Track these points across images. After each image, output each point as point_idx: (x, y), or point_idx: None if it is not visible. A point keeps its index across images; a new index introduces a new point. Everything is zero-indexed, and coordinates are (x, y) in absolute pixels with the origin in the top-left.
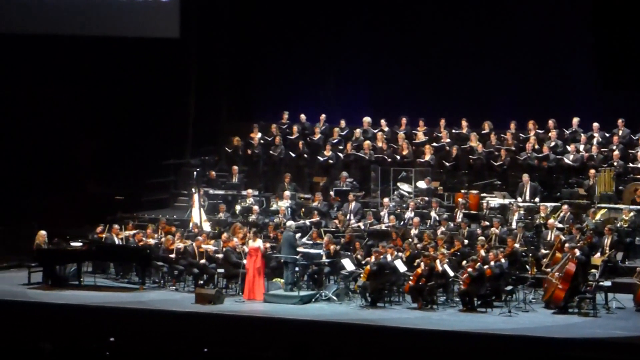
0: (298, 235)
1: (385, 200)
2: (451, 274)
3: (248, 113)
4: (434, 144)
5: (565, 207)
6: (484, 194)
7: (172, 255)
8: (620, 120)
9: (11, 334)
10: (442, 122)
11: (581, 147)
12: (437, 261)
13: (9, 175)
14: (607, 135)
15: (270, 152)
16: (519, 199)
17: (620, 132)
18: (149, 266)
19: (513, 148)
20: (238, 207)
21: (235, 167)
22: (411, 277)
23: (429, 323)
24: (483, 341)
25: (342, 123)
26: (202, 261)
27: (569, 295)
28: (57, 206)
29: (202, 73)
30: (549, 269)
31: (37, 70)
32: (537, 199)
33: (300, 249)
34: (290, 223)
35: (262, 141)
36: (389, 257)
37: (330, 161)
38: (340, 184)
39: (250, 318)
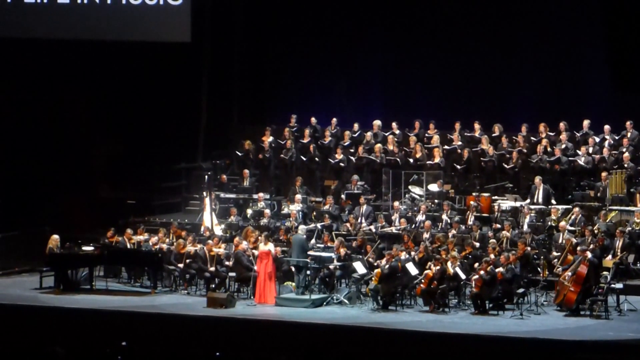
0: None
1: (397, 203)
2: (463, 276)
3: (260, 117)
4: (446, 147)
5: (576, 209)
6: (496, 197)
7: (182, 263)
8: (628, 122)
9: (23, 338)
10: (457, 125)
11: (591, 149)
12: (449, 264)
13: (22, 179)
14: (617, 137)
15: (282, 155)
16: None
17: (629, 134)
18: (160, 270)
19: (525, 150)
20: (249, 211)
21: (247, 171)
22: (423, 280)
23: (440, 326)
24: (495, 344)
25: (356, 126)
26: (212, 269)
27: (580, 297)
28: (69, 210)
29: (214, 77)
30: (559, 270)
31: (50, 74)
32: (553, 201)
33: (311, 253)
34: (301, 227)
35: (273, 145)
36: (401, 259)
37: (342, 164)
38: (352, 187)
39: (262, 322)
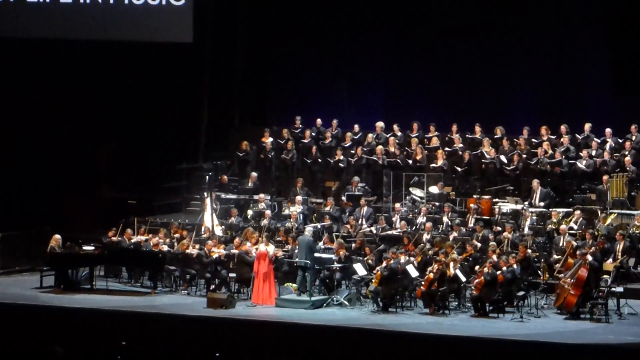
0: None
1: (397, 205)
2: (463, 279)
3: (261, 117)
4: (447, 149)
5: (577, 212)
6: (496, 199)
7: (184, 263)
8: (633, 126)
9: (23, 338)
10: (454, 127)
11: (593, 153)
12: (450, 265)
13: (24, 179)
14: (620, 140)
15: (282, 156)
16: (527, 204)
17: (634, 138)
18: (161, 270)
19: (525, 154)
20: (250, 212)
21: (254, 174)
22: (423, 282)
23: (440, 328)
24: (495, 347)
25: (356, 128)
26: (215, 255)
27: (581, 301)
28: (71, 210)
29: (215, 77)
30: (561, 275)
31: (52, 74)
32: (543, 204)
33: (316, 254)
34: (308, 228)
35: (273, 146)
36: (401, 261)
37: (341, 164)
38: (352, 188)
39: (262, 323)
